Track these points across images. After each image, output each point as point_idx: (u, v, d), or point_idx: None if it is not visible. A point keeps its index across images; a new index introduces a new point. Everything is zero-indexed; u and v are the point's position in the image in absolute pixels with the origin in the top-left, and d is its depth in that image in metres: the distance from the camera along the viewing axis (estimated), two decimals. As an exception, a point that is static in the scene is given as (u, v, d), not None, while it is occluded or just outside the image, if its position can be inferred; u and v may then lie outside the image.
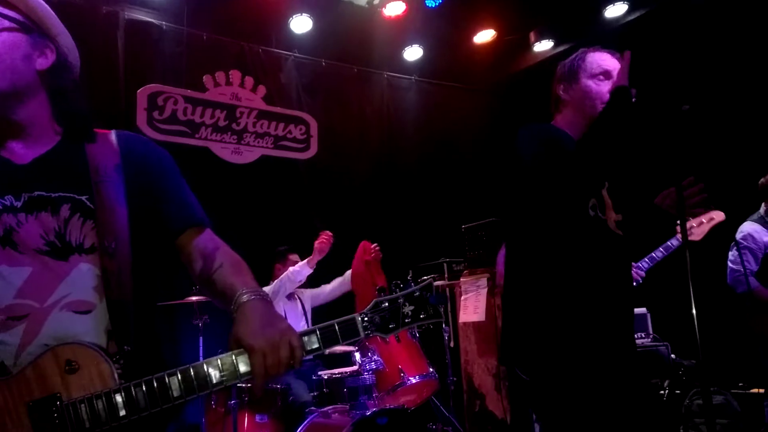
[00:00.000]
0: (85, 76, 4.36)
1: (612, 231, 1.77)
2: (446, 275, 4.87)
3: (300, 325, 4.27)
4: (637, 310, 4.03)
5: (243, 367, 1.11)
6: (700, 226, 2.72)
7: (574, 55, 1.89)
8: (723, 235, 3.44)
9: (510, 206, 1.82)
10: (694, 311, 1.92)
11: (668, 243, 2.90)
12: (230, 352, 1.11)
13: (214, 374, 1.10)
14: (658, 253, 2.90)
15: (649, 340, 4.06)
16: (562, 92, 1.86)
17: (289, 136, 5.04)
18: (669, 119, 1.76)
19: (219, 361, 1.10)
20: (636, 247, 1.89)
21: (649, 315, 4.30)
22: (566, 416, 1.63)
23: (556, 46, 5.42)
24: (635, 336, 3.93)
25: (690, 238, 2.98)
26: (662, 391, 3.78)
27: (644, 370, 3.64)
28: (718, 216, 2.79)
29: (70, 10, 4.14)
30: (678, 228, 2.82)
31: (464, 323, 4.46)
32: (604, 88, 1.80)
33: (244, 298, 1.16)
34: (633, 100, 1.76)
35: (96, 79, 4.22)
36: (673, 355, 3.91)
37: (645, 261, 2.90)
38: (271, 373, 1.10)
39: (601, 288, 1.68)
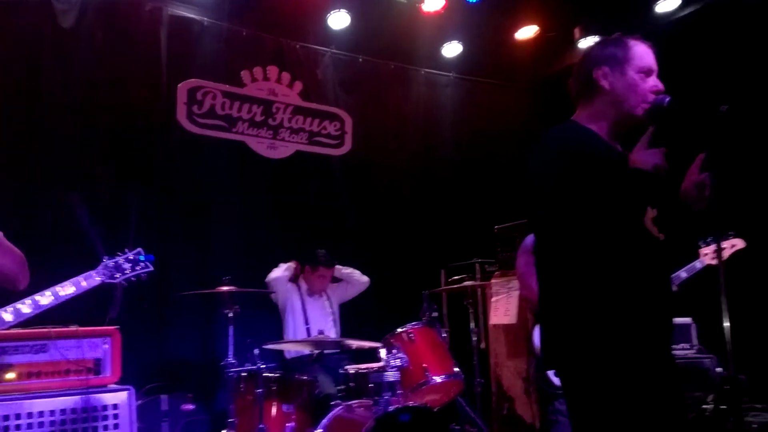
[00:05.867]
0: (130, 71, 4.47)
1: (648, 231, 1.70)
2: (478, 276, 4.79)
3: (329, 321, 4.28)
4: (681, 320, 3.86)
5: None
6: (723, 251, 2.99)
7: (614, 40, 1.78)
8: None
9: (542, 209, 1.74)
10: (726, 324, 1.85)
11: (692, 264, 3.19)
12: None
13: None
14: (683, 274, 3.15)
15: (694, 351, 3.87)
16: (602, 78, 1.73)
17: (323, 132, 5.06)
18: (707, 121, 1.67)
19: None
20: (674, 247, 1.81)
21: (694, 325, 4.09)
22: (602, 423, 1.57)
23: (601, 42, 5.23)
24: (680, 347, 3.79)
25: (712, 263, 3.15)
26: (705, 406, 3.61)
27: (680, 378, 3.51)
28: (740, 243, 3.15)
29: (116, 6, 4.29)
30: (701, 251, 3.18)
31: (494, 325, 4.39)
32: (647, 85, 1.72)
33: None
34: (667, 104, 1.68)
35: (140, 74, 4.33)
36: (719, 369, 3.72)
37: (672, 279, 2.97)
38: None
39: (641, 290, 1.62)
